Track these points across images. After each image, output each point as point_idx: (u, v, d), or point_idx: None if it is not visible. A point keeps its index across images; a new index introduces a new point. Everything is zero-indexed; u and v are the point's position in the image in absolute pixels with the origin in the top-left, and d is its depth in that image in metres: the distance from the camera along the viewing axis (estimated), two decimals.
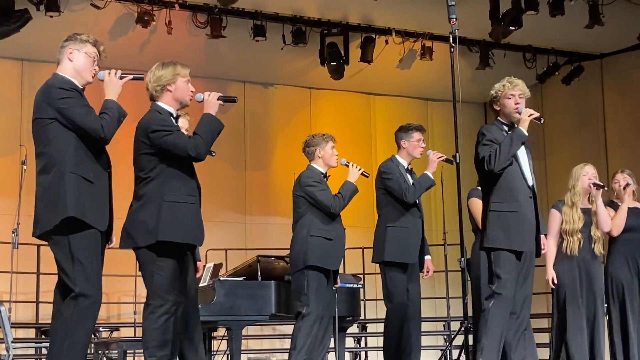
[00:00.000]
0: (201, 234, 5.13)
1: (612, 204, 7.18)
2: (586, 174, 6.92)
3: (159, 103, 5.14)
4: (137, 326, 10.18)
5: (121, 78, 4.89)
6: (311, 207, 6.59)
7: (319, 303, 6.44)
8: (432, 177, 6.91)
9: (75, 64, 4.81)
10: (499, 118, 5.87)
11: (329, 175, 6.75)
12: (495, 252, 5.66)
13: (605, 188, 6.90)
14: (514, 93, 5.76)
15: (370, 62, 12.12)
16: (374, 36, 12.10)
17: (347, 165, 6.74)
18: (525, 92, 5.81)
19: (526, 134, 5.65)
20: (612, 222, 7.00)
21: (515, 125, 5.71)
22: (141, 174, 5.03)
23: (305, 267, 6.48)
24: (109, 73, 4.89)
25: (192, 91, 5.18)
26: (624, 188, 7.12)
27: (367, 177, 6.79)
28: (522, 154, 5.76)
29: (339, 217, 6.70)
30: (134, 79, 5.00)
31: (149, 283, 4.98)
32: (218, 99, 5.06)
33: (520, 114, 5.71)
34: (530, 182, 5.75)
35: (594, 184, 6.85)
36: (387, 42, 12.18)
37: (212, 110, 5.05)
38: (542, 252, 5.85)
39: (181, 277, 5.07)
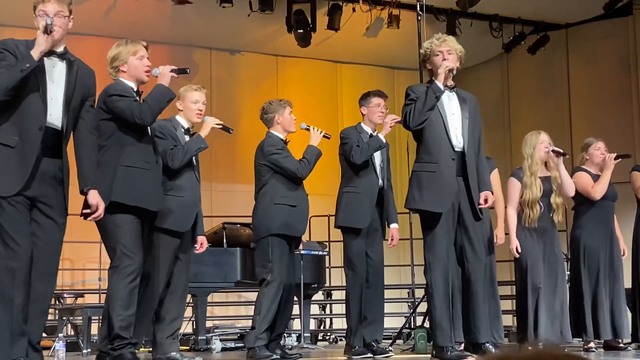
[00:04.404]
0: (157, 199, 5.26)
1: (586, 171, 7.21)
2: (542, 142, 6.89)
3: (120, 79, 5.28)
4: (102, 293, 10.15)
5: None
6: (275, 175, 6.57)
7: (283, 270, 6.47)
8: (383, 139, 6.82)
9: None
10: (432, 78, 5.64)
11: (289, 141, 6.71)
12: (415, 212, 5.54)
13: (567, 155, 6.90)
14: (442, 49, 5.59)
15: (337, 30, 12.08)
16: (341, 4, 12.05)
17: (308, 129, 6.67)
18: (455, 48, 5.63)
19: (441, 87, 5.45)
20: (595, 185, 7.05)
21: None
22: (99, 141, 5.04)
23: (269, 235, 6.50)
24: None
25: (147, 66, 5.29)
26: (616, 159, 7.07)
27: (328, 138, 6.72)
28: (455, 116, 5.60)
29: (301, 183, 6.70)
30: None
31: (112, 246, 5.02)
32: (171, 71, 5.24)
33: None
34: (456, 143, 5.55)
35: (554, 151, 6.86)
36: (354, 9, 12.13)
37: (164, 81, 5.21)
38: (483, 206, 5.60)
39: (141, 243, 5.13)
